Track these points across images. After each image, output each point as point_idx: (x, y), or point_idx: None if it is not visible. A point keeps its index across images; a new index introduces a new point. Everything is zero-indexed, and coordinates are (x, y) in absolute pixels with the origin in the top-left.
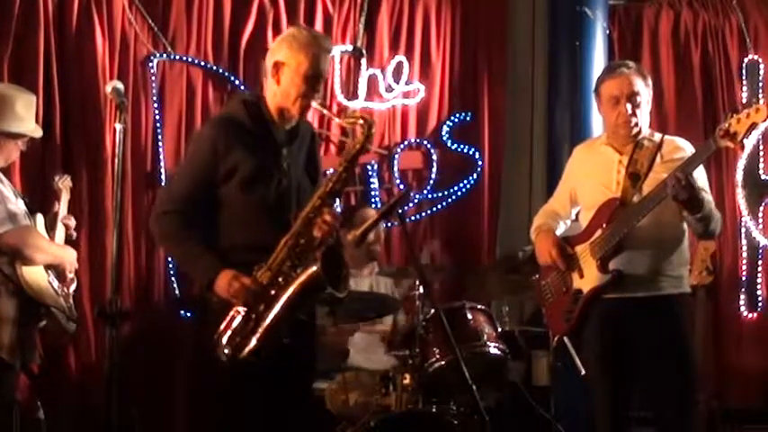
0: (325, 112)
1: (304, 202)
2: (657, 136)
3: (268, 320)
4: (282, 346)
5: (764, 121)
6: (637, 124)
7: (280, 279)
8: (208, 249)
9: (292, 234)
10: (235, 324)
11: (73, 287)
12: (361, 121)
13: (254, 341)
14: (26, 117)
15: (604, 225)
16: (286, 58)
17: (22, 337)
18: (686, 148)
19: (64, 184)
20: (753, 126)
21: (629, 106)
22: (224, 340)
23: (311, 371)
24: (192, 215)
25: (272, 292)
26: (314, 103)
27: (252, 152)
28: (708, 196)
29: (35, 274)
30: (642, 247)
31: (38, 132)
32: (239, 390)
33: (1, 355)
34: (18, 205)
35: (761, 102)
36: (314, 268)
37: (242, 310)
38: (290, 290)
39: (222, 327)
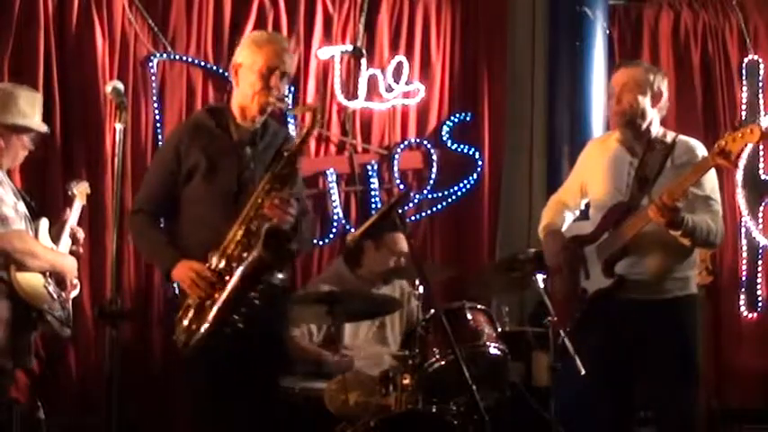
0: (281, 106)
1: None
2: (671, 136)
3: (218, 306)
4: (239, 330)
5: (758, 141)
6: (625, 114)
7: (233, 264)
8: (168, 243)
9: (242, 220)
10: (191, 312)
11: (75, 293)
12: (306, 108)
13: (204, 327)
14: (30, 113)
15: (611, 229)
16: (243, 59)
17: (15, 339)
18: (698, 151)
19: (80, 190)
20: (746, 146)
21: (623, 98)
22: (180, 328)
23: (275, 358)
24: (158, 214)
25: (227, 278)
26: (271, 100)
27: (212, 152)
28: (716, 206)
29: (30, 279)
30: (647, 251)
31: (43, 127)
32: (200, 376)
33: None
34: (18, 208)
35: (757, 121)
36: (255, 253)
37: (197, 297)
38: (237, 275)
39: (179, 314)
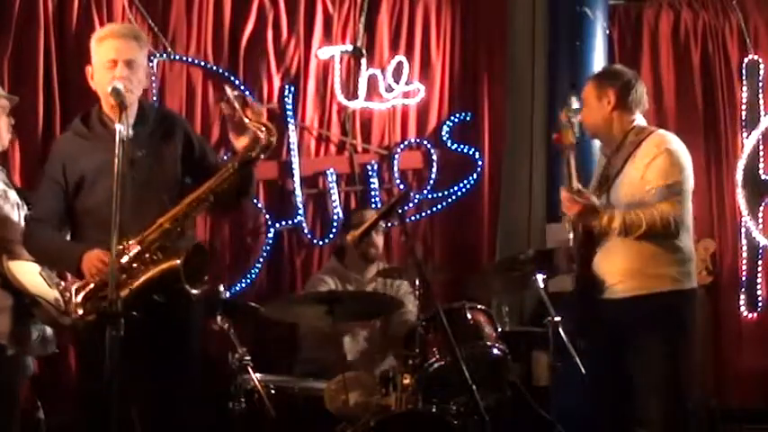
0: (127, 95)
1: (164, 186)
2: (644, 134)
3: (125, 292)
4: (132, 318)
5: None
6: (588, 128)
7: (146, 255)
8: (70, 241)
9: (170, 217)
10: (88, 288)
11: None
12: (263, 129)
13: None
14: None
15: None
16: (92, 62)
17: (16, 326)
18: (661, 147)
19: None
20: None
21: (583, 114)
22: (77, 300)
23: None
24: (54, 223)
25: (135, 265)
26: (117, 84)
27: (95, 159)
28: (660, 195)
29: (23, 267)
30: (613, 249)
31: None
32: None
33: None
34: (9, 196)
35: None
36: (177, 261)
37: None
38: (150, 272)
39: (76, 286)
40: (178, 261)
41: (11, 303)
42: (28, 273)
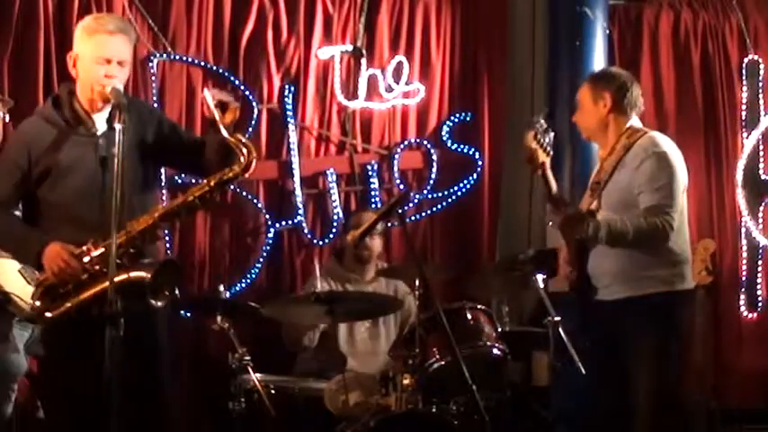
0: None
1: (139, 192)
2: (636, 136)
3: (88, 293)
4: (91, 317)
5: None
6: (582, 132)
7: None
8: (32, 228)
9: (138, 227)
10: (47, 282)
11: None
12: (244, 150)
13: (68, 305)
14: None
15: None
16: (78, 50)
17: None
18: (648, 151)
19: None
20: None
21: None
22: (35, 291)
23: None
24: (12, 208)
25: (97, 267)
26: (118, 85)
27: (65, 149)
28: (646, 201)
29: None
30: (605, 251)
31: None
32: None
33: None
34: None
35: None
36: (146, 274)
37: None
38: (117, 278)
39: (39, 278)
40: (148, 275)
41: None
42: (2, 268)
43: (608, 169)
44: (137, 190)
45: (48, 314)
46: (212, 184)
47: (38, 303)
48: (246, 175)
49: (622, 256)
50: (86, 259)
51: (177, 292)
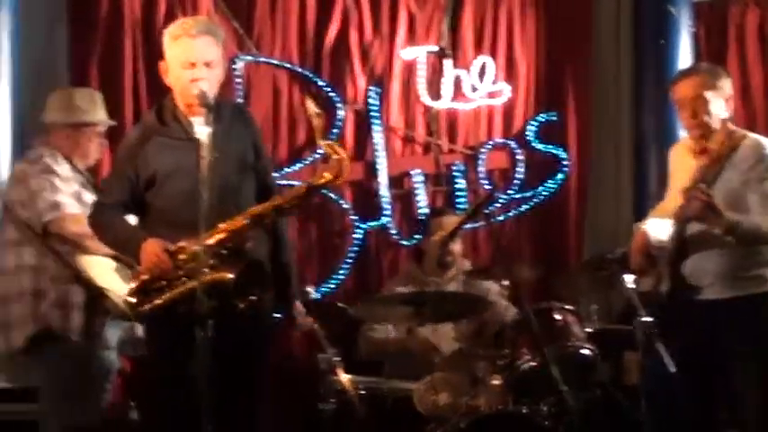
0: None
1: (236, 195)
2: (739, 135)
3: (178, 290)
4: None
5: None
6: (699, 126)
7: (203, 258)
8: (135, 227)
9: (229, 228)
10: (142, 278)
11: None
12: (335, 156)
13: (158, 301)
14: (88, 108)
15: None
16: (167, 57)
17: (90, 324)
18: (758, 152)
19: None
20: None
21: (691, 111)
22: (131, 287)
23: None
24: (119, 209)
25: (188, 265)
26: (203, 85)
27: (168, 155)
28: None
29: (93, 261)
30: (706, 252)
31: (104, 120)
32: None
33: (72, 337)
34: (82, 197)
35: None
36: (229, 275)
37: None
38: (202, 278)
39: (134, 274)
40: (230, 276)
41: (83, 299)
42: (98, 267)
43: (713, 168)
44: (233, 192)
45: (139, 308)
46: (305, 189)
47: (131, 299)
48: (338, 182)
49: (725, 255)
50: (181, 257)
51: (264, 293)
